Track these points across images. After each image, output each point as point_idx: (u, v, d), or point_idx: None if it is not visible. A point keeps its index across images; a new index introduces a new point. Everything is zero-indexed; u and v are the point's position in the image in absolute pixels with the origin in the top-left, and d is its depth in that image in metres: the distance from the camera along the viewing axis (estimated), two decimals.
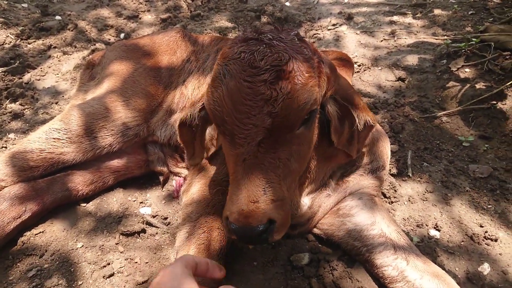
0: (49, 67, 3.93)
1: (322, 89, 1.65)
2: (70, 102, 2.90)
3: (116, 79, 2.58)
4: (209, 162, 2.29)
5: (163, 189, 2.66)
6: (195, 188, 2.20)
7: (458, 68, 3.46)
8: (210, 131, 2.08)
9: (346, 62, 2.60)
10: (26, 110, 3.35)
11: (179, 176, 2.63)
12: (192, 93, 2.57)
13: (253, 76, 1.45)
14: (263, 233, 1.47)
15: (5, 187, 2.22)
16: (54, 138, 2.31)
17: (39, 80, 3.77)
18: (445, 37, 4.05)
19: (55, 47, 4.20)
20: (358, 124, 1.79)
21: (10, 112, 3.25)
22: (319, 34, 4.61)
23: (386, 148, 2.37)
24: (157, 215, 2.44)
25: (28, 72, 3.82)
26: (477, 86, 3.24)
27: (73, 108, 2.43)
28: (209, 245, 1.94)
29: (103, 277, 2.02)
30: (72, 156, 2.33)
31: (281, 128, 1.49)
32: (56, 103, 3.44)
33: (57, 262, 2.11)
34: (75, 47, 4.23)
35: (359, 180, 2.24)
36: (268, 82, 1.44)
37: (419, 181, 2.67)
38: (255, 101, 1.45)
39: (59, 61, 4.01)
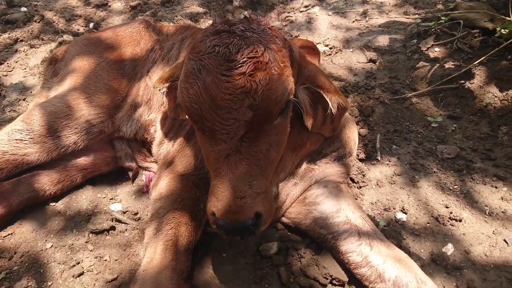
0: (16, 61, 3.84)
1: (295, 78, 1.66)
2: (34, 100, 2.85)
3: (78, 75, 2.53)
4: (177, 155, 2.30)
5: (133, 184, 2.65)
6: (163, 183, 2.20)
7: (428, 48, 3.47)
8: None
9: (312, 50, 2.59)
10: None
11: (148, 170, 2.63)
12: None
13: (231, 70, 1.44)
14: (251, 227, 1.51)
15: None
16: (16, 139, 2.27)
17: (6, 76, 3.69)
18: (416, 15, 4.05)
19: (21, 41, 4.10)
20: (332, 108, 1.82)
21: None
22: (291, 16, 4.56)
23: (353, 134, 2.39)
24: (127, 211, 2.43)
25: None
26: (446, 65, 3.26)
27: (35, 108, 2.38)
28: (176, 241, 1.95)
29: (73, 276, 2.03)
30: (36, 156, 2.30)
31: (262, 120, 1.51)
32: (24, 100, 3.37)
33: (26, 264, 2.11)
34: (42, 39, 4.13)
35: (325, 168, 2.26)
36: (247, 74, 1.43)
37: (387, 164, 2.70)
38: (235, 95, 1.44)
39: (26, 55, 3.92)
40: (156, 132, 2.50)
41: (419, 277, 1.80)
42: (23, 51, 3.94)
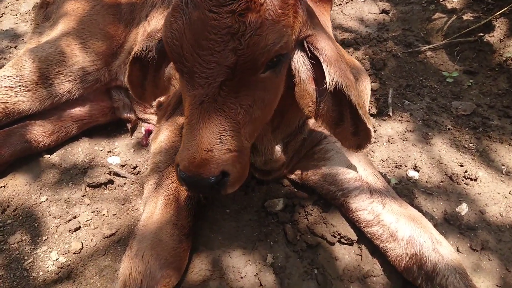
0: (6, 7, 3.62)
1: (295, 33, 1.45)
2: (25, 46, 2.67)
3: (71, 19, 2.35)
4: (170, 107, 2.14)
5: (132, 137, 2.52)
6: (163, 136, 2.07)
7: None
8: (168, 70, 1.89)
9: None
10: None
11: (148, 122, 2.49)
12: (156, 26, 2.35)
13: (219, 7, 1.25)
14: (215, 185, 1.35)
15: None
16: (6, 87, 2.12)
17: None
18: None
19: None
20: (328, 83, 1.46)
21: None
22: None
23: (366, 87, 2.23)
24: (126, 164, 2.32)
25: None
26: (464, 17, 3.06)
27: (26, 53, 2.22)
28: (178, 195, 1.84)
29: (69, 231, 1.94)
30: (27, 105, 2.16)
31: (245, 69, 1.31)
32: (15, 47, 3.19)
33: (20, 218, 2.02)
34: None
35: None
36: (237, 13, 1.23)
37: (399, 120, 2.57)
38: (220, 35, 1.26)
39: (17, 0, 3.69)
40: None
41: (434, 237, 1.71)
42: None
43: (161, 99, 2.31)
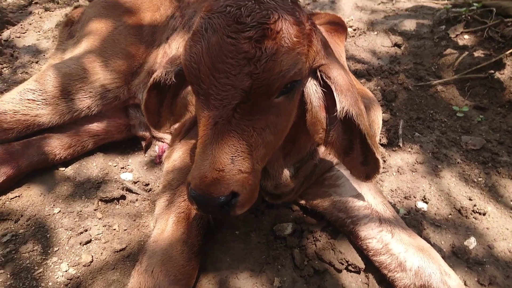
0: (30, 24, 3.74)
1: (309, 61, 1.51)
2: (48, 61, 2.76)
3: (95, 38, 2.43)
4: (184, 129, 2.18)
5: (146, 155, 2.57)
6: (177, 155, 2.12)
7: (457, 35, 3.32)
8: (185, 96, 1.95)
9: (339, 26, 2.46)
10: (4, 69, 3.20)
11: (162, 141, 2.54)
12: (176, 52, 2.43)
13: (237, 33, 1.31)
14: (224, 205, 1.37)
15: None
16: (28, 99, 2.19)
17: (19, 37, 3.60)
18: (446, 0, 3.88)
19: (36, 3, 4.01)
20: (338, 111, 1.50)
21: None
22: None
23: (377, 117, 2.28)
24: (138, 181, 2.36)
25: (7, 29, 3.64)
26: (476, 54, 3.12)
27: (49, 68, 2.29)
28: (189, 213, 1.87)
29: (80, 243, 1.96)
30: (48, 118, 2.22)
31: (260, 93, 1.36)
32: (37, 62, 3.29)
33: (32, 228, 2.05)
34: (58, 3, 4.04)
35: None
36: (254, 39, 1.30)
37: (409, 151, 2.60)
38: (237, 60, 1.32)
39: (40, 17, 3.82)
40: None
41: (443, 268, 1.71)
42: (38, 13, 3.85)
43: (175, 126, 2.36)
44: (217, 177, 1.34)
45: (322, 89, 1.58)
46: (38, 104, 2.19)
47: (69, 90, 2.23)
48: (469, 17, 3.40)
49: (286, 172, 2.05)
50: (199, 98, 1.45)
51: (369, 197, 2.02)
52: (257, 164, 1.49)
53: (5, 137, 2.17)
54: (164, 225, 1.82)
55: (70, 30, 2.73)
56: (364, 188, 2.06)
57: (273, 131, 1.49)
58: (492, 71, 2.96)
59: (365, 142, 1.56)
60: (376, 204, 2.00)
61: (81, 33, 2.58)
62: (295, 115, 1.63)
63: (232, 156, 1.38)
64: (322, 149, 2.16)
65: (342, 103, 1.51)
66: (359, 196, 2.02)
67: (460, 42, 3.29)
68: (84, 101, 2.27)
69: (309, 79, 1.57)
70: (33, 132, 2.26)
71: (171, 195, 1.95)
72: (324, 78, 1.54)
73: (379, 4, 4.14)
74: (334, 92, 1.52)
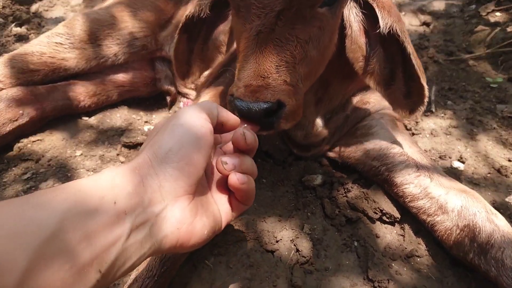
0: None
1: None
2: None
3: None
4: (214, 77, 2.12)
5: (170, 111, 2.51)
6: (204, 98, 2.05)
7: (488, 13, 3.25)
8: (217, 37, 1.88)
9: None
10: (31, 34, 3.20)
11: (187, 97, 2.48)
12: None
13: None
14: (270, 114, 1.28)
15: (2, 89, 2.08)
16: (56, 43, 2.16)
17: (47, 10, 3.62)
18: None
19: None
20: (381, 27, 1.42)
21: (15, 35, 3.11)
22: None
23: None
24: None
25: (36, 3, 3.67)
26: (508, 29, 3.03)
27: (78, 15, 2.27)
28: None
29: None
30: (74, 62, 2.18)
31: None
32: None
33: (54, 168, 1.99)
34: None
35: (381, 100, 2.06)
36: None
37: (442, 116, 2.49)
38: None
39: None
40: None
41: (488, 207, 1.59)
42: None
43: (204, 75, 2.30)
44: (262, 84, 1.26)
45: (362, 11, 1.52)
46: (65, 48, 2.16)
47: (97, 35, 2.20)
48: None
49: (318, 121, 1.97)
50: (239, 12, 1.39)
51: (405, 146, 1.91)
52: (301, 83, 1.41)
53: (30, 78, 2.13)
54: None
55: None
56: (399, 137, 1.96)
57: (316, 46, 1.41)
58: None
59: (408, 64, 1.49)
60: (412, 153, 1.89)
61: None
62: (335, 40, 1.56)
63: (276, 65, 1.30)
64: (354, 101, 2.08)
65: (385, 19, 1.44)
66: (394, 144, 1.91)
67: (492, 19, 3.20)
68: (112, 48, 2.23)
69: (349, 1, 1.51)
70: (59, 77, 2.21)
71: None
72: None
73: None
74: (376, 9, 1.45)
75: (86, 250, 0.67)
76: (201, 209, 0.95)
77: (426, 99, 1.55)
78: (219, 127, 1.04)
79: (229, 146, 1.20)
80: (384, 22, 1.43)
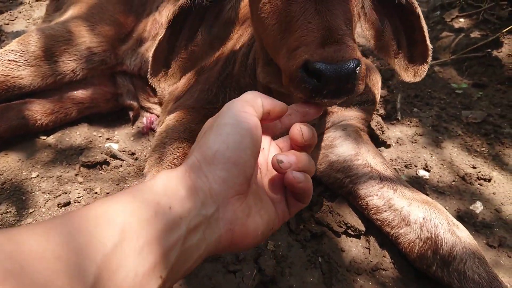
0: (20, 12, 3.68)
1: None
2: None
3: (82, 5, 2.35)
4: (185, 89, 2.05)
5: (133, 127, 2.45)
6: (171, 116, 1.98)
7: (453, 19, 3.29)
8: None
9: None
10: None
11: (150, 112, 2.43)
12: (166, 19, 2.34)
13: None
14: (354, 74, 1.05)
15: None
16: (9, 60, 2.08)
17: (7, 24, 3.52)
18: None
19: None
20: None
21: None
22: None
23: (378, 81, 2.18)
24: (124, 151, 2.23)
25: None
26: (472, 35, 3.08)
27: (33, 31, 2.20)
28: None
29: (58, 205, 1.82)
30: (29, 80, 2.10)
31: None
32: None
33: (7, 191, 1.90)
34: None
35: (344, 111, 2.05)
36: None
37: (408, 124, 2.50)
38: None
39: (30, 7, 3.77)
40: None
41: (450, 219, 1.58)
42: (28, 3, 3.79)
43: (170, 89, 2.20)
44: (341, 42, 1.07)
45: None
46: (19, 65, 2.08)
47: (53, 51, 2.13)
48: (463, 3, 3.38)
49: None
50: None
51: (368, 157, 1.90)
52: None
53: None
54: None
55: (57, 4, 2.65)
56: (362, 148, 1.94)
57: (354, 11, 1.26)
58: (490, 50, 2.90)
59: (417, 29, 1.55)
60: (375, 164, 1.87)
61: (68, 3, 2.50)
62: None
63: (345, 22, 1.15)
64: None
65: None
66: (357, 155, 1.90)
67: (456, 25, 3.25)
68: (69, 64, 2.16)
69: None
70: (14, 95, 2.13)
71: (162, 152, 1.81)
72: None
73: None
74: None
75: (148, 258, 0.70)
76: (254, 208, 0.92)
77: (429, 59, 1.60)
78: (266, 116, 0.98)
79: (285, 140, 1.08)
80: None
